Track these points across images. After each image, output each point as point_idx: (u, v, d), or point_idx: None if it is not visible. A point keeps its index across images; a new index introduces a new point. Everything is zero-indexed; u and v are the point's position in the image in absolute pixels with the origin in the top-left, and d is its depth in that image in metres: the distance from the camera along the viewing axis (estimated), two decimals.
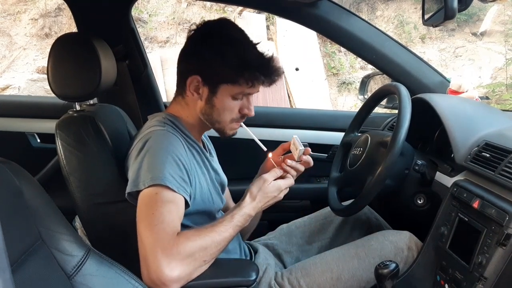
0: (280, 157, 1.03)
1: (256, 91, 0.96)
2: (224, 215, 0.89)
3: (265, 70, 0.92)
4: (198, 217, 0.95)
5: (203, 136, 1.09)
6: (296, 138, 0.98)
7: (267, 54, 0.94)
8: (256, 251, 1.12)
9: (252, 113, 0.98)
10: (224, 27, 0.96)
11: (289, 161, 0.97)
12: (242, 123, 1.01)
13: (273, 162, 1.00)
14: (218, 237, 0.84)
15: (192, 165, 0.93)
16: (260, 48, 0.95)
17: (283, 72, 0.96)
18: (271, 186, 0.92)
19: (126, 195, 0.86)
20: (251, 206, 0.90)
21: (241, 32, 0.96)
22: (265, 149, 1.01)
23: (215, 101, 0.94)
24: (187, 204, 0.87)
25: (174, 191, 0.83)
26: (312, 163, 1.00)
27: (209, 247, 0.82)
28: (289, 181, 0.95)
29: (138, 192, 0.84)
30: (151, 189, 0.82)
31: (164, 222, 0.79)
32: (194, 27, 0.97)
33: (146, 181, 0.83)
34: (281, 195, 0.94)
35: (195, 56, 0.94)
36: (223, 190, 1.10)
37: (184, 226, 0.86)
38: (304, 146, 0.97)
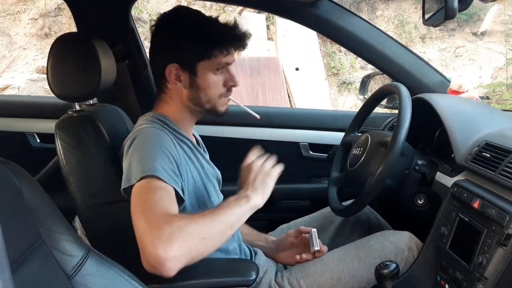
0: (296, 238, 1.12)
1: (233, 60, 0.98)
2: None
3: (232, 33, 0.94)
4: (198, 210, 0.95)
5: (196, 134, 1.10)
6: (314, 233, 1.04)
7: (229, 20, 0.97)
8: (256, 252, 1.12)
9: (237, 83, 0.99)
10: (180, 12, 0.99)
11: (304, 255, 1.06)
12: (231, 97, 1.01)
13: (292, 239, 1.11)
14: (211, 214, 0.80)
15: (183, 159, 0.93)
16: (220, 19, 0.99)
17: (250, 35, 0.98)
18: (246, 169, 0.91)
19: (122, 192, 0.86)
20: (251, 198, 0.85)
21: (197, 11, 0.99)
22: (257, 116, 1.01)
23: (199, 82, 0.96)
24: (181, 199, 0.87)
25: (166, 182, 0.82)
26: (325, 253, 1.06)
27: (204, 223, 0.78)
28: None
29: (132, 187, 0.83)
30: (142, 181, 0.81)
31: (157, 205, 0.77)
32: (153, 22, 0.99)
33: (137, 174, 0.82)
34: (254, 166, 0.90)
35: (164, 47, 0.97)
36: (219, 185, 1.11)
37: None
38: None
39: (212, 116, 1.02)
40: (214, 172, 1.08)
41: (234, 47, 0.96)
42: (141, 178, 0.81)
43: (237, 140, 1.57)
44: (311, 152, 1.60)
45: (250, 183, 0.88)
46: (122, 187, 0.85)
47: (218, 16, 0.98)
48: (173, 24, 0.97)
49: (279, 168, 0.92)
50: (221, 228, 0.80)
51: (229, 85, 0.99)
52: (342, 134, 1.35)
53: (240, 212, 0.83)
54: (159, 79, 0.99)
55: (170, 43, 0.96)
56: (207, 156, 1.10)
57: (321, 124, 1.64)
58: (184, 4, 4.80)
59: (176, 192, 0.85)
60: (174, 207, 0.81)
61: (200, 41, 0.93)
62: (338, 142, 1.38)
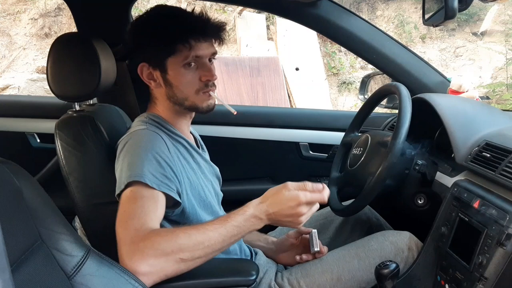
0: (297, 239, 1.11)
1: (204, 53, 0.94)
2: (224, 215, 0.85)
3: (191, 24, 0.92)
4: (197, 213, 0.95)
5: (195, 133, 1.10)
6: (315, 234, 1.04)
7: (195, 11, 0.95)
8: (256, 252, 1.12)
9: (213, 77, 0.94)
10: (152, 12, 0.98)
11: (304, 256, 1.04)
12: (212, 93, 0.97)
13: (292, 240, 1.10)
14: (200, 236, 0.76)
15: (177, 161, 0.92)
16: (189, 10, 0.97)
17: (223, 24, 0.96)
18: (290, 193, 0.78)
19: (116, 198, 0.86)
20: (258, 207, 0.79)
21: (172, 9, 0.99)
22: (234, 112, 0.98)
23: (170, 79, 0.94)
24: (177, 203, 0.87)
25: (154, 188, 0.82)
26: (325, 254, 1.05)
27: (186, 245, 0.75)
28: (314, 197, 0.79)
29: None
30: (129, 189, 0.82)
31: (135, 218, 0.77)
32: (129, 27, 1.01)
33: (125, 179, 0.83)
34: (300, 210, 0.78)
35: (135, 48, 0.98)
36: (220, 182, 1.12)
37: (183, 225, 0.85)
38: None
39: (200, 114, 1.00)
40: (212, 170, 1.09)
41: (194, 39, 0.91)
42: (129, 184, 0.82)
43: (237, 140, 1.57)
44: (311, 152, 1.60)
45: (270, 196, 0.80)
46: (116, 193, 0.86)
47: (193, 9, 0.96)
48: (142, 24, 0.97)
49: (307, 212, 0.81)
50: (209, 245, 0.76)
51: (205, 79, 0.94)
52: (342, 134, 1.35)
53: (242, 223, 0.78)
54: (144, 85, 0.99)
55: (138, 43, 0.96)
56: (207, 155, 1.11)
57: (320, 124, 1.64)
58: (184, 4, 4.80)
59: (170, 197, 0.85)
60: (157, 217, 0.80)
61: (162, 37, 0.91)
62: (338, 142, 1.37)
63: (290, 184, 0.80)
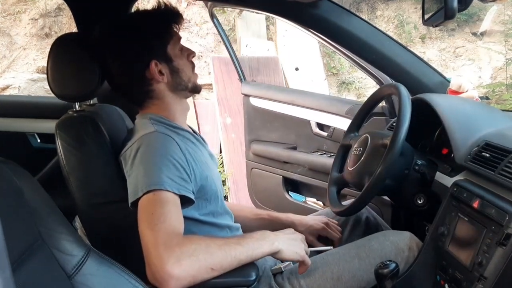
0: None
1: (179, 37, 1.05)
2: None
3: (170, 8, 1.00)
4: (206, 206, 0.98)
5: (190, 126, 1.13)
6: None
7: (156, 6, 1.01)
8: None
9: (194, 52, 1.07)
10: (134, 14, 1.08)
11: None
12: None
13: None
14: (227, 247, 0.82)
15: (189, 158, 0.93)
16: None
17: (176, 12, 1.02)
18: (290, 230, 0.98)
19: (129, 205, 0.86)
20: (274, 236, 0.91)
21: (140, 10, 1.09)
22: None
23: (176, 65, 1.01)
24: (191, 201, 0.88)
25: (175, 193, 0.83)
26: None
27: (215, 254, 0.80)
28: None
29: (139, 199, 0.84)
30: (150, 194, 0.82)
31: (166, 221, 0.79)
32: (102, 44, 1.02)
33: (143, 187, 0.83)
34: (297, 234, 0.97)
35: (123, 55, 0.99)
36: (214, 160, 1.16)
37: (194, 219, 0.90)
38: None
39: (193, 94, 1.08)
40: (215, 161, 1.12)
41: (180, 20, 1.03)
42: (149, 191, 0.82)
43: (271, 112, 1.90)
44: (318, 130, 1.80)
45: (288, 235, 0.94)
46: (130, 200, 0.86)
47: (155, 8, 1.02)
48: (124, 32, 1.00)
49: (305, 246, 0.97)
50: (230, 263, 0.82)
51: (191, 57, 1.05)
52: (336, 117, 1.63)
53: (257, 251, 0.86)
54: (141, 88, 1.00)
55: (128, 49, 0.98)
56: (208, 147, 1.13)
57: (322, 108, 1.81)
58: (184, 5, 4.81)
59: (187, 197, 0.87)
60: (182, 221, 0.83)
61: (156, 27, 0.98)
62: (335, 124, 1.69)
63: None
